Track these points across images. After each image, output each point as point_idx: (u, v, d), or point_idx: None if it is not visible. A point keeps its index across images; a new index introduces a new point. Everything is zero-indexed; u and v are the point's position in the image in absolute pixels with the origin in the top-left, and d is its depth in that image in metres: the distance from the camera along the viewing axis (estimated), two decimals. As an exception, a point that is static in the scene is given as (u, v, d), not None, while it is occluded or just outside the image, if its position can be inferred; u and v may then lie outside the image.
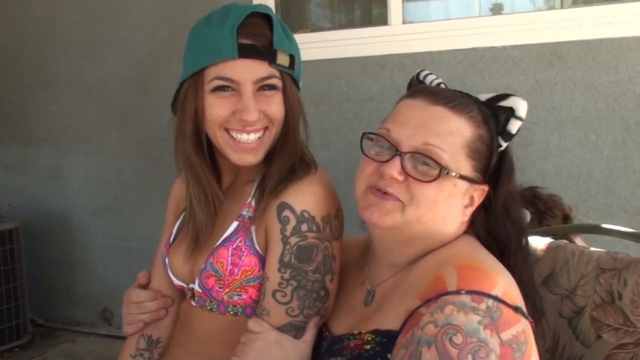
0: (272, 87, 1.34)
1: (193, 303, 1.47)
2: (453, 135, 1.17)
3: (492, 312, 1.03)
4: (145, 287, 1.59)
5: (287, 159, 1.38)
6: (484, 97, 1.25)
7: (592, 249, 1.45)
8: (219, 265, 1.35)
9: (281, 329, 1.27)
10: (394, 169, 1.15)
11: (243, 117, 1.30)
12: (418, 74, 1.37)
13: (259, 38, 1.31)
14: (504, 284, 1.08)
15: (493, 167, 1.23)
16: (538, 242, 1.52)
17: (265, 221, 1.34)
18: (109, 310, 4.02)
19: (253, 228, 1.35)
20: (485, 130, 1.21)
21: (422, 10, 3.31)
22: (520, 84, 2.81)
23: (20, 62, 4.09)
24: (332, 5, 3.62)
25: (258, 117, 1.32)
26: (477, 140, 1.20)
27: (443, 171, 1.15)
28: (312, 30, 3.39)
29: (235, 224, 1.38)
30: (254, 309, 1.36)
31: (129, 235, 3.84)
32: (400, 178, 1.16)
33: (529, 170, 2.80)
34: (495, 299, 1.04)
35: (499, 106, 1.23)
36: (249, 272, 1.34)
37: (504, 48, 2.83)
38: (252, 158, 1.36)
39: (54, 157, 4.06)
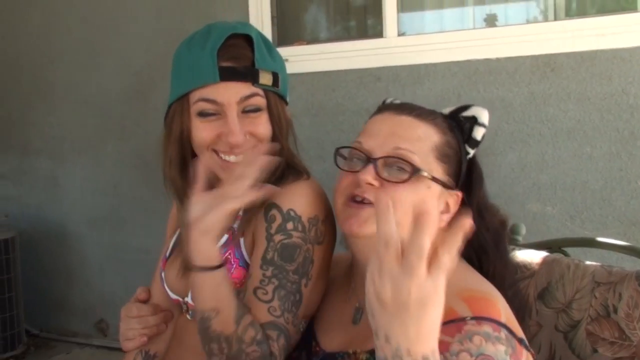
0: (257, 109, 1.33)
1: (188, 317, 1.48)
2: (422, 140, 1.23)
3: (510, 341, 1.05)
4: (144, 302, 1.59)
5: (275, 172, 1.36)
6: (446, 110, 1.32)
7: (587, 262, 1.46)
8: None
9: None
10: (368, 174, 1.19)
11: (229, 140, 1.30)
12: (384, 101, 1.42)
13: (240, 60, 1.31)
14: (504, 309, 1.11)
15: (464, 174, 1.28)
16: (533, 256, 1.54)
17: (252, 225, 1.34)
18: (104, 321, 4.01)
19: (242, 239, 1.36)
20: (452, 137, 1.27)
21: (417, 23, 3.33)
22: (514, 96, 2.82)
23: (17, 72, 4.09)
24: (328, 18, 3.64)
25: (244, 140, 1.31)
26: (445, 145, 1.25)
27: (415, 171, 1.19)
28: (308, 43, 3.41)
29: (224, 237, 1.38)
30: None
31: (125, 246, 3.84)
32: (376, 183, 1.19)
33: (525, 182, 2.81)
34: (508, 329, 1.06)
35: (463, 116, 1.30)
36: (239, 285, 1.33)
37: (498, 60, 2.85)
38: None
39: (50, 167, 4.06)
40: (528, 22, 3.09)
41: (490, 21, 3.16)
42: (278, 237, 1.29)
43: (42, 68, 4.02)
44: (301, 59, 3.23)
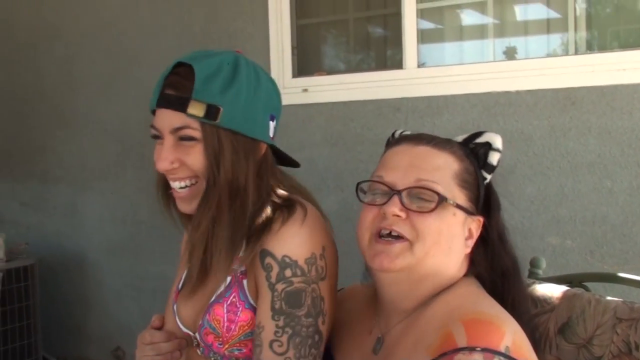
0: (190, 138, 1.32)
1: (198, 352, 1.48)
2: (442, 169, 1.25)
3: None
4: (159, 329, 1.59)
5: (236, 212, 1.35)
6: (459, 138, 1.35)
7: (609, 297, 1.45)
8: (216, 323, 1.35)
9: None
10: (395, 206, 1.19)
11: (155, 165, 1.34)
12: (394, 133, 1.45)
13: (178, 89, 1.31)
14: (511, 334, 1.09)
15: (482, 199, 1.30)
16: (554, 290, 1.52)
17: (253, 271, 1.34)
18: (121, 349, 4.00)
19: (245, 282, 1.36)
20: (469, 163, 1.29)
21: (437, 54, 3.34)
22: (534, 129, 2.82)
23: (39, 101, 4.14)
24: (348, 48, 3.66)
25: (169, 167, 1.34)
26: (464, 172, 1.27)
27: (441, 199, 1.20)
28: (328, 73, 3.42)
29: (228, 280, 1.38)
30: None
31: (142, 274, 3.84)
32: (403, 215, 1.19)
33: (544, 215, 2.79)
34: (505, 355, 1.04)
35: (476, 143, 1.32)
36: (246, 327, 1.34)
37: (518, 93, 2.84)
38: (186, 207, 1.40)
39: (70, 195, 4.09)
40: (549, 55, 3.08)
41: (510, 54, 3.16)
42: (280, 286, 1.29)
43: (64, 97, 4.07)
44: (320, 89, 3.25)
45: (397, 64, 3.20)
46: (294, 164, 1.55)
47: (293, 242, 1.31)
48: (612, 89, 2.69)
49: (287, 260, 1.29)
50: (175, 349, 1.54)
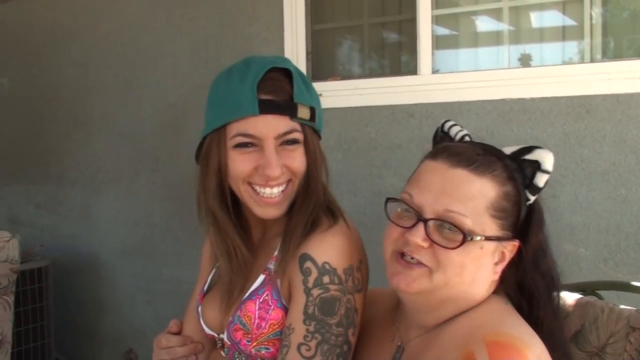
0: (294, 142, 1.34)
1: (223, 354, 1.48)
2: (475, 199, 1.17)
3: None
4: (176, 334, 1.60)
5: (310, 210, 1.38)
6: (508, 150, 1.24)
7: (622, 306, 1.44)
8: (247, 319, 1.36)
9: None
10: (418, 237, 1.16)
11: (266, 172, 1.31)
12: (443, 125, 1.38)
13: (279, 93, 1.32)
14: (535, 357, 1.07)
15: (522, 221, 1.22)
16: (567, 298, 1.51)
17: (288, 273, 1.34)
18: (133, 352, 4.02)
19: (279, 281, 1.36)
20: (511, 186, 1.20)
21: (452, 61, 3.33)
22: (548, 136, 2.81)
23: (56, 104, 4.18)
24: (363, 54, 3.67)
25: (281, 172, 1.33)
26: (502, 199, 1.19)
27: (467, 237, 1.14)
28: (342, 78, 3.43)
29: (262, 278, 1.39)
30: None
31: (155, 277, 3.86)
32: (425, 245, 1.16)
33: (557, 223, 2.78)
34: None
35: (525, 159, 1.22)
36: (276, 326, 1.35)
37: (532, 100, 2.84)
38: (276, 211, 1.38)
39: (85, 197, 4.11)
40: (564, 62, 3.07)
41: (525, 61, 3.15)
42: (316, 292, 1.30)
43: (80, 100, 4.10)
44: (335, 94, 3.26)
45: (412, 70, 3.21)
46: None
47: (335, 250, 1.32)
48: (627, 97, 2.68)
49: (327, 267, 1.30)
50: (190, 353, 1.55)
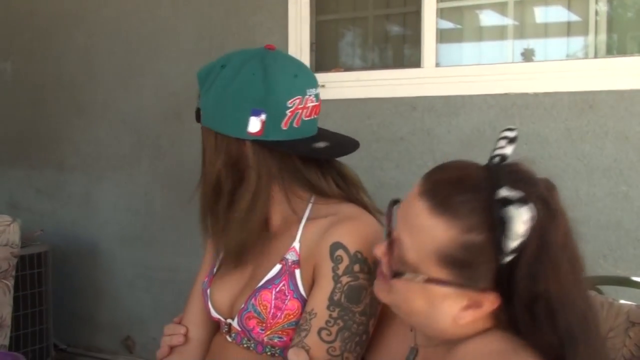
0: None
1: (228, 338, 1.48)
2: (424, 237, 1.03)
3: None
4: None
5: (221, 204, 1.43)
6: (502, 194, 0.98)
7: (622, 301, 1.44)
8: (262, 308, 1.36)
9: None
10: (379, 249, 1.15)
11: None
12: (510, 129, 1.14)
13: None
14: None
15: (505, 273, 1.00)
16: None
17: (314, 259, 1.36)
18: (131, 339, 4.03)
19: (298, 272, 1.37)
20: (482, 237, 0.99)
21: (455, 54, 3.33)
22: (551, 131, 2.81)
23: (58, 90, 4.17)
24: (366, 46, 3.66)
25: None
26: (457, 249, 1.00)
27: (403, 273, 1.05)
28: (345, 70, 3.43)
29: (278, 267, 1.39)
30: None
31: (155, 264, 3.86)
32: (384, 260, 1.13)
33: (558, 218, 2.78)
34: None
35: (502, 214, 0.98)
36: (292, 316, 1.36)
37: (536, 95, 2.84)
38: None
39: (85, 183, 4.11)
40: (568, 58, 3.07)
41: (528, 56, 3.15)
42: (345, 279, 1.31)
43: (82, 86, 4.09)
44: (338, 85, 3.25)
45: (415, 63, 3.21)
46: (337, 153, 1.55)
47: (367, 240, 1.33)
48: (631, 94, 2.68)
49: (359, 256, 1.32)
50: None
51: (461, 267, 1.01)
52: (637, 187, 2.68)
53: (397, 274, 1.06)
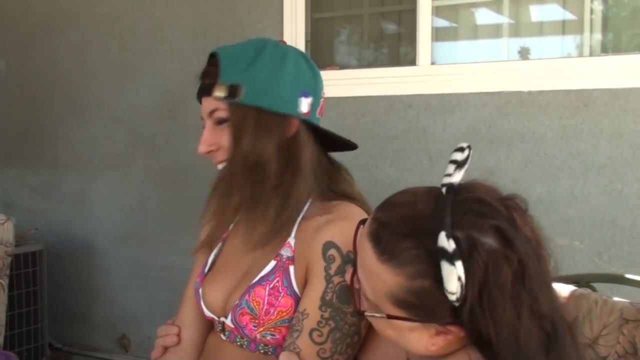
0: (222, 120, 1.40)
1: (222, 337, 1.48)
2: (376, 279, 1.02)
3: None
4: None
5: (256, 189, 1.39)
6: (440, 242, 0.94)
7: (616, 298, 1.44)
8: (255, 304, 1.36)
9: None
10: (347, 275, 1.14)
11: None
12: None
13: (207, 77, 1.42)
14: None
15: (458, 309, 0.96)
16: (561, 290, 1.52)
17: (308, 257, 1.35)
18: (126, 337, 4.02)
19: (292, 268, 1.36)
20: (428, 283, 0.97)
21: (450, 52, 3.33)
22: (546, 129, 2.81)
23: (52, 88, 4.16)
24: (362, 44, 3.66)
25: (206, 149, 1.42)
26: (406, 294, 0.98)
27: (362, 311, 1.07)
28: (341, 68, 3.43)
29: (272, 263, 1.39)
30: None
31: (149, 263, 3.86)
32: (351, 288, 1.12)
33: (553, 216, 2.79)
34: None
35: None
36: (285, 313, 1.35)
37: (530, 93, 2.84)
38: None
39: (79, 182, 4.10)
40: (563, 56, 3.08)
41: (524, 54, 3.15)
42: (337, 279, 1.31)
43: (77, 85, 4.08)
44: (333, 83, 3.23)
45: (411, 61, 3.20)
46: (349, 146, 1.59)
47: None
48: (625, 92, 2.68)
49: (352, 255, 1.30)
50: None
51: (416, 308, 0.99)
52: (631, 185, 2.68)
53: (360, 313, 1.08)
